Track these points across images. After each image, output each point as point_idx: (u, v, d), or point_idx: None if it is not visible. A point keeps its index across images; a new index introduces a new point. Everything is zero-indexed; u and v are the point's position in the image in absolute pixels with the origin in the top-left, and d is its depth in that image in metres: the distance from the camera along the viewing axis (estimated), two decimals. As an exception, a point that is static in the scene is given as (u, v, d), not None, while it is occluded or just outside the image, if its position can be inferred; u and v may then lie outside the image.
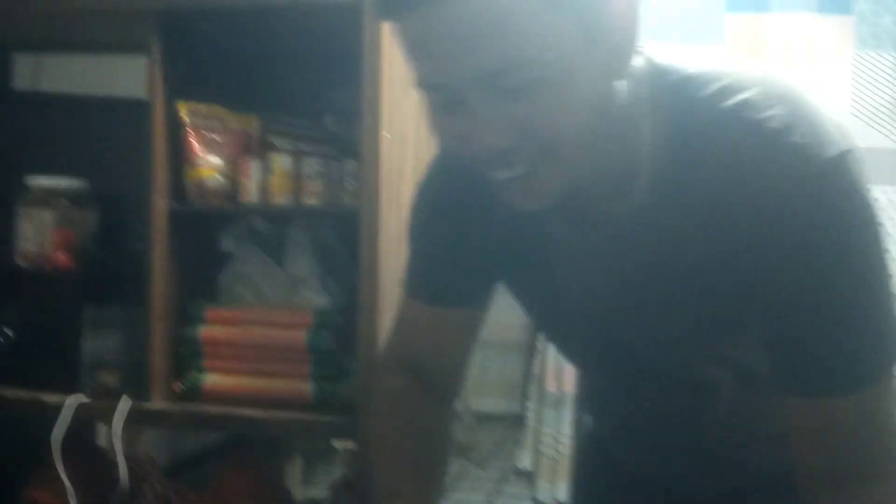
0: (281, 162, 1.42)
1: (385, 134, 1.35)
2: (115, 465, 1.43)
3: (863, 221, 0.67)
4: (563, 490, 2.95)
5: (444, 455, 0.99)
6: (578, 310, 0.85)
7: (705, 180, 0.71)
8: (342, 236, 1.56)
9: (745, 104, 0.69)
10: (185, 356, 1.45)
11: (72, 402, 1.40)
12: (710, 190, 0.70)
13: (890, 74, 2.11)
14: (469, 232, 0.88)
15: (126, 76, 1.69)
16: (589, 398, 1.14)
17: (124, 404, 1.39)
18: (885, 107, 2.12)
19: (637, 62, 0.74)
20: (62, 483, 1.39)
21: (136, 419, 1.42)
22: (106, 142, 1.66)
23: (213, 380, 1.42)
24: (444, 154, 0.91)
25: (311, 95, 1.69)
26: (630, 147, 0.73)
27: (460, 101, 0.66)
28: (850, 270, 0.67)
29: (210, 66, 1.55)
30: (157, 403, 1.42)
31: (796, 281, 0.67)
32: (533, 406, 3.32)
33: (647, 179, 0.73)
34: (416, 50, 0.65)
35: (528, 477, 3.29)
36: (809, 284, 0.67)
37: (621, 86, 0.71)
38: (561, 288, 0.85)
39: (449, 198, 0.89)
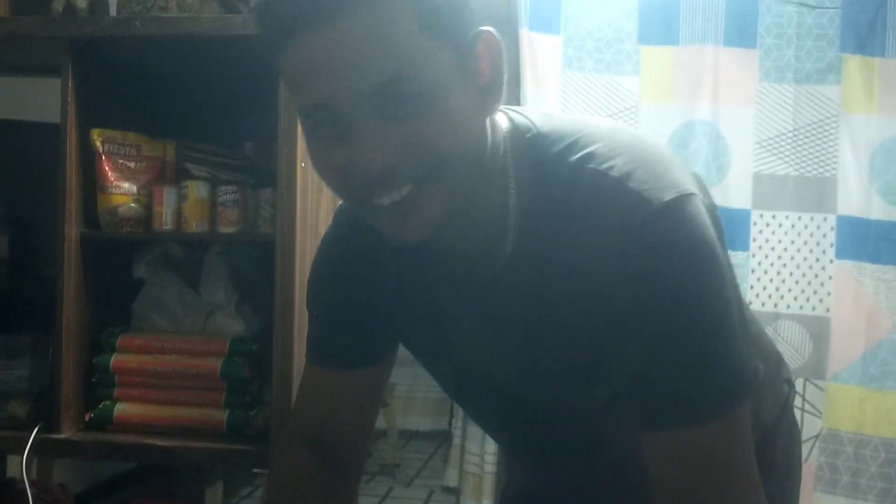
0: (196, 189, 1.42)
1: (302, 163, 1.36)
2: (25, 495, 1.40)
3: (697, 262, 0.70)
4: (486, 507, 2.98)
5: None
6: (467, 363, 0.89)
7: (560, 232, 0.75)
8: (259, 262, 1.57)
9: (589, 157, 0.74)
10: (97, 385, 1.43)
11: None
12: (565, 241, 0.74)
13: (791, 105, 2.21)
14: (364, 298, 0.90)
15: (42, 99, 1.66)
16: (497, 439, 1.15)
17: (33, 435, 1.37)
18: (786, 136, 2.22)
19: (502, 121, 0.79)
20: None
21: (46, 449, 1.40)
22: (18, 165, 1.63)
23: (124, 409, 1.41)
24: (337, 225, 0.93)
25: (230, 121, 1.69)
26: (499, 200, 0.77)
27: (347, 123, 0.68)
28: (685, 309, 0.69)
29: (126, 92, 1.54)
30: (67, 433, 1.40)
31: (638, 319, 0.71)
32: (458, 424, 3.35)
33: (513, 233, 0.77)
34: (305, 73, 0.68)
35: (455, 494, 3.31)
36: (648, 322, 0.71)
37: (491, 132, 0.75)
38: (450, 344, 0.88)
39: (344, 267, 0.91)
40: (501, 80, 0.73)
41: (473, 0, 0.71)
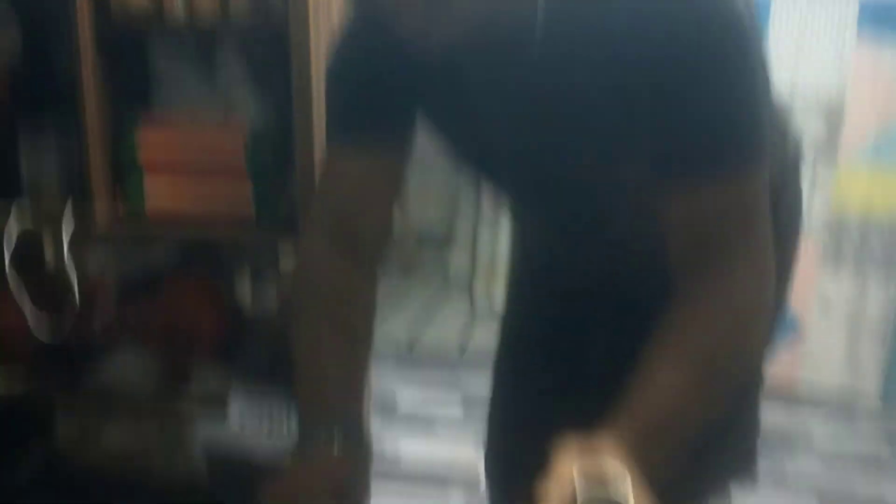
0: (206, -25, 1.39)
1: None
2: (66, 284, 1.48)
3: (732, 24, 0.74)
4: (498, 301, 3.11)
5: (370, 329, 0.98)
6: (493, 136, 0.91)
7: (593, 11, 0.76)
8: (274, 52, 1.56)
9: None
10: (124, 177, 1.47)
11: (15, 226, 1.43)
12: (598, 12, 0.76)
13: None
14: (386, 75, 0.90)
15: None
16: (510, 212, 1.19)
17: (69, 227, 1.42)
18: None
19: None
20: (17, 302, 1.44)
21: (82, 240, 1.47)
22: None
23: (155, 200, 1.46)
24: (356, 15, 0.92)
25: None
26: None
27: None
28: (721, 64, 0.74)
29: None
30: (101, 226, 1.46)
31: (675, 75, 0.74)
32: (469, 224, 3.45)
33: (542, 21, 0.78)
34: None
35: (468, 290, 3.45)
36: (678, 74, 0.74)
37: None
38: (477, 120, 0.90)
39: (364, 50, 0.91)
40: None
41: None
